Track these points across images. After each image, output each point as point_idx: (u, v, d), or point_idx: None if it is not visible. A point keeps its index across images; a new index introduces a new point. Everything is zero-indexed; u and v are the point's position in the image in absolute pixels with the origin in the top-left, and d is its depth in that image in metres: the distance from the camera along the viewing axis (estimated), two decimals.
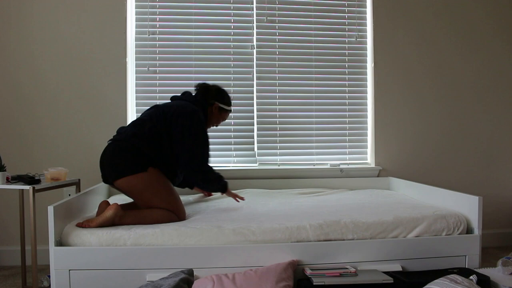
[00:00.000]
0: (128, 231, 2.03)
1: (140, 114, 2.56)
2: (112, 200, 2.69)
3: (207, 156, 2.44)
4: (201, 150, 2.40)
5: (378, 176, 3.38)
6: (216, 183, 2.49)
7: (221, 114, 2.69)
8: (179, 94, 2.67)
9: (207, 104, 2.59)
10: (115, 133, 2.45)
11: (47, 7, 3.09)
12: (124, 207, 2.30)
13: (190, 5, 3.25)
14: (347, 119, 3.41)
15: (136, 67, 3.23)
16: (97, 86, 3.14)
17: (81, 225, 2.09)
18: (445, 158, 3.46)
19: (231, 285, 1.81)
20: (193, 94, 2.64)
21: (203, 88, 2.64)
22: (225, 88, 2.73)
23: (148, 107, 2.55)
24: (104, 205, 2.23)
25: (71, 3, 3.11)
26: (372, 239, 2.11)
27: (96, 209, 2.32)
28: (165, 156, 2.34)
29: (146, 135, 2.31)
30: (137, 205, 2.37)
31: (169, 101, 2.64)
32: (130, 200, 2.52)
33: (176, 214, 2.25)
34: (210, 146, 2.47)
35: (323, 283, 1.87)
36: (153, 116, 2.39)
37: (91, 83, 3.14)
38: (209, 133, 2.50)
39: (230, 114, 2.78)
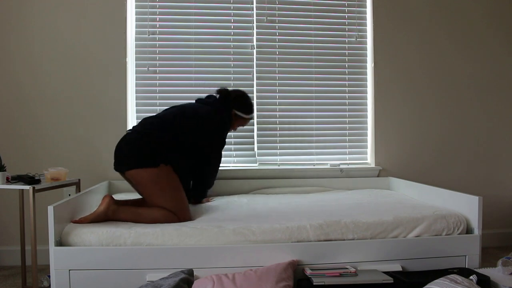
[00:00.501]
0: (128, 229, 2.03)
1: (159, 111, 2.59)
2: (114, 198, 2.69)
3: None
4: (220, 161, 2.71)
5: (378, 176, 3.38)
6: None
7: (238, 121, 2.75)
8: (204, 97, 2.71)
9: (229, 111, 2.66)
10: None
11: (47, 8, 3.09)
12: (121, 203, 2.30)
13: (190, 5, 3.25)
14: (347, 119, 3.41)
15: (136, 67, 3.23)
16: (97, 86, 3.14)
17: (75, 221, 2.11)
18: (445, 158, 3.46)
19: (231, 285, 1.81)
20: (217, 98, 2.69)
21: (223, 95, 2.69)
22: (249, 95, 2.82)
23: (168, 107, 2.60)
24: (107, 198, 2.24)
25: (71, 3, 3.11)
26: (372, 239, 2.12)
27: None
28: (180, 157, 2.37)
29: (167, 133, 2.34)
30: (137, 203, 2.38)
31: (193, 101, 2.68)
32: (131, 197, 2.52)
33: (178, 215, 2.23)
34: None
35: (323, 283, 1.87)
36: (177, 116, 2.43)
37: (91, 83, 3.14)
38: None
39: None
